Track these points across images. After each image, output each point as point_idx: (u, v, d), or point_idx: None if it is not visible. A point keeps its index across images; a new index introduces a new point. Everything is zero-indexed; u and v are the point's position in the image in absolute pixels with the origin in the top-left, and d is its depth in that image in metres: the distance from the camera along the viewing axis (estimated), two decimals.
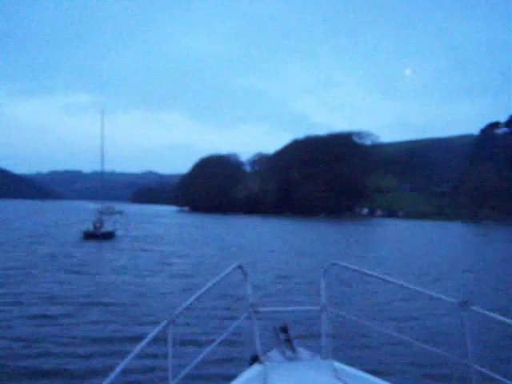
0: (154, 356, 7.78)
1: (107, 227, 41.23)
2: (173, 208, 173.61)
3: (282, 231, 63.00)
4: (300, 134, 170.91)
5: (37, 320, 11.95)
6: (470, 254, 40.13)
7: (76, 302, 14.11)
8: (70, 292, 15.75)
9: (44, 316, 12.37)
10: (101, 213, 44.12)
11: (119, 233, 42.44)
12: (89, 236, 37.88)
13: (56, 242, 33.22)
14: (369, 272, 4.10)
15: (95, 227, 39.87)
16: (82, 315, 12.61)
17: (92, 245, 33.36)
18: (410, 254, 35.04)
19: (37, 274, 19.19)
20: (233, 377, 3.41)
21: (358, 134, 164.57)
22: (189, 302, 3.24)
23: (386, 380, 3.46)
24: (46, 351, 9.46)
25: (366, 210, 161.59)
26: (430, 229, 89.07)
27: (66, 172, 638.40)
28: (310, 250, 35.11)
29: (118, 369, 2.35)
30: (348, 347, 10.15)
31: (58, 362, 8.89)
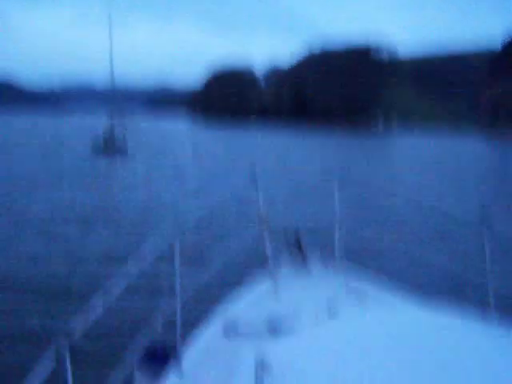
0: (162, 272, 7.37)
1: (119, 143, 40.42)
2: (187, 123, 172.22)
3: (296, 146, 62.31)
4: (313, 44, 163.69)
5: (44, 238, 11.66)
6: (488, 169, 39.41)
7: (85, 219, 13.81)
8: (79, 208, 15.45)
9: (51, 233, 12.06)
10: (112, 128, 43.33)
11: (131, 148, 41.28)
12: (99, 151, 37.37)
13: (66, 158, 32.92)
14: (385, 187, 3.84)
15: (106, 142, 39.12)
16: (90, 233, 12.34)
17: (103, 160, 32.97)
18: (426, 170, 34.49)
19: (44, 190, 18.91)
20: (244, 288, 3.43)
21: (376, 49, 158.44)
22: (198, 216, 2.93)
23: (399, 294, 3.42)
24: (53, 271, 9.20)
25: (382, 125, 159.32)
26: (447, 144, 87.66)
27: (78, 88, 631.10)
28: (325, 165, 34.61)
29: (122, 284, 2.16)
30: (361, 260, 9.85)
31: (64, 282, 8.65)
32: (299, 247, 3.86)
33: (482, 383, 1.50)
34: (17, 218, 13.71)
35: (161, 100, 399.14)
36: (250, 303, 3.32)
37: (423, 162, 43.68)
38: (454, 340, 1.80)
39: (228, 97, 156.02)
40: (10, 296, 7.94)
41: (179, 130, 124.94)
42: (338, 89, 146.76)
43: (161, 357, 2.65)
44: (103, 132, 40.75)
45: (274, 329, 2.90)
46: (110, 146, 38.60)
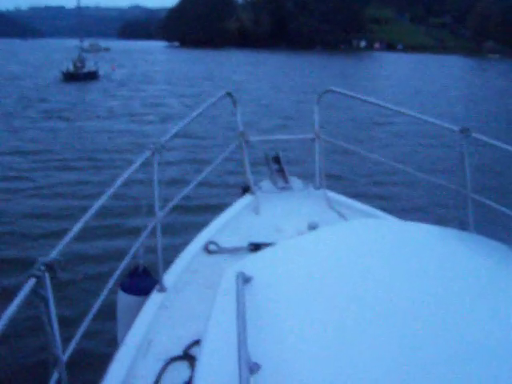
0: (139, 190, 7.15)
1: (90, 66, 37.37)
2: (162, 43, 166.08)
3: (276, 66, 60.86)
4: None
5: (12, 173, 10.84)
6: (471, 86, 39.16)
7: (56, 151, 13.00)
8: (49, 141, 14.34)
9: (21, 170, 11.16)
10: (84, 51, 40.53)
11: (104, 72, 38.92)
12: (69, 77, 34.33)
13: (33, 85, 30.63)
14: (366, 99, 3.77)
15: (76, 67, 35.94)
16: (63, 166, 11.57)
17: (73, 87, 30.56)
18: (408, 87, 34.19)
19: (11, 121, 17.46)
20: (224, 206, 3.42)
21: None
22: (175, 130, 2.93)
23: (381, 210, 3.48)
24: (24, 207, 8.73)
25: (363, 43, 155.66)
26: (430, 62, 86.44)
27: (48, 7, 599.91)
28: (305, 84, 34.01)
29: (104, 197, 2.11)
30: (342, 177, 9.93)
31: (36, 217, 8.23)
32: (278, 162, 3.83)
33: (461, 283, 1.53)
34: None
35: (135, 18, 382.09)
36: (231, 221, 3.32)
37: (405, 78, 43.22)
38: (432, 246, 1.83)
39: (203, 13, 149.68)
40: None
41: (155, 49, 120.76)
42: (319, 4, 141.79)
43: (143, 275, 2.64)
44: (73, 58, 37.45)
45: (255, 244, 2.92)
46: (79, 70, 35.75)
